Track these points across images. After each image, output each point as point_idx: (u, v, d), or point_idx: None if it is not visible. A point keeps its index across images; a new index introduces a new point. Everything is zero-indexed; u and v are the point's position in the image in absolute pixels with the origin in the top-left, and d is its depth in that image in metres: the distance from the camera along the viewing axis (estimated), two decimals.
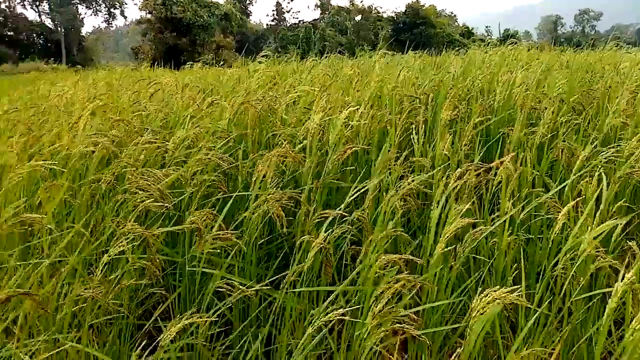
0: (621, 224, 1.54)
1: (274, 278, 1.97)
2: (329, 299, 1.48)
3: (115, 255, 1.58)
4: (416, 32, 41.89)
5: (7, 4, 43.92)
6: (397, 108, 2.59)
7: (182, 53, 33.65)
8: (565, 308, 1.67)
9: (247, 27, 47.25)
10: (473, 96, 3.02)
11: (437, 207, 1.55)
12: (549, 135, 2.46)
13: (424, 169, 2.03)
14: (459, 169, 1.70)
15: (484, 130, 2.62)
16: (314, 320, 1.39)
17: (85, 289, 1.51)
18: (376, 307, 1.24)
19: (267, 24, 50.66)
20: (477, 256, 1.97)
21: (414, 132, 2.18)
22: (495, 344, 1.70)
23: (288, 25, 47.83)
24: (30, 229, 2.12)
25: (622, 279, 1.21)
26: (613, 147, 2.20)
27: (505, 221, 1.84)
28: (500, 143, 2.54)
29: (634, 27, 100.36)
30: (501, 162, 1.81)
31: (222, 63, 13.08)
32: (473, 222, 1.51)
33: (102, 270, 1.53)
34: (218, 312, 1.67)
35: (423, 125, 2.19)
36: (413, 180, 1.85)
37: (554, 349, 1.57)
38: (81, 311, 1.74)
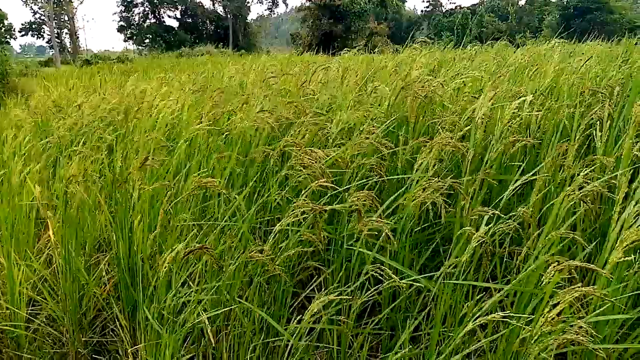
0: None
1: (425, 267, 1.95)
2: (493, 298, 1.42)
3: (286, 226, 1.70)
4: (589, 18, 37.63)
5: None
6: (576, 100, 2.37)
7: (336, 39, 34.59)
8: None
9: (402, 13, 46.77)
10: None
11: (618, 212, 1.39)
12: None
13: (606, 169, 1.83)
14: None
15: None
16: (470, 318, 1.36)
17: (255, 251, 1.66)
18: (549, 313, 1.16)
19: (422, 10, 49.56)
20: None
21: (596, 128, 1.97)
22: None
23: (444, 10, 46.26)
24: (206, 193, 2.39)
25: None
26: None
27: None
28: None
29: None
30: None
31: (375, 50, 13.18)
32: None
33: (273, 238, 1.66)
34: (371, 292, 1.72)
35: (608, 121, 1.97)
36: (591, 180, 1.68)
37: None
38: (248, 272, 1.91)
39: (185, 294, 1.88)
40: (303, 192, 1.73)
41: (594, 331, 1.40)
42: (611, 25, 35.59)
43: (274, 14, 56.36)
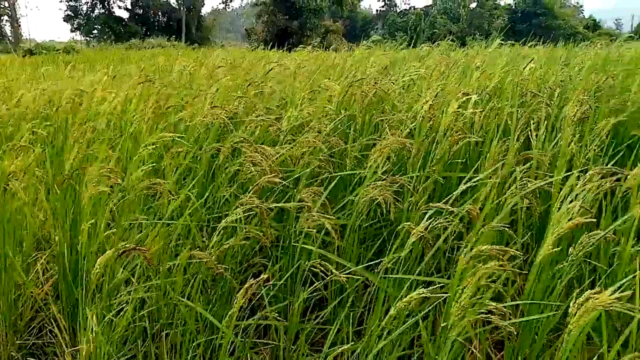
0: None
1: (372, 262, 1.98)
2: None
3: (231, 223, 1.69)
4: (535, 22, 39.23)
5: None
6: (518, 101, 2.46)
7: (291, 36, 34.51)
8: None
9: (357, 12, 47.18)
10: (604, 94, 2.78)
11: (557, 209, 1.45)
12: None
13: (542, 167, 1.91)
14: (588, 173, 1.58)
15: (612, 132, 2.40)
16: (396, 302, 1.39)
17: (198, 248, 1.63)
18: (461, 297, 1.21)
19: (377, 10, 50.19)
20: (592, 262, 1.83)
21: (532, 128, 2.06)
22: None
23: (398, 11, 47.04)
24: (154, 192, 2.33)
25: None
26: None
27: (630, 230, 1.70)
28: (635, 148, 2.31)
29: None
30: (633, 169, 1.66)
31: (330, 48, 13.22)
32: (585, 222, 1.41)
33: (218, 234, 1.64)
34: (314, 287, 1.73)
35: (545, 122, 2.06)
36: (528, 178, 1.75)
37: None
38: (192, 269, 1.88)
39: (126, 293, 1.83)
40: (250, 189, 1.72)
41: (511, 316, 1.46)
42: (555, 30, 37.23)
43: (229, 8, 55.52)
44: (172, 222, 1.90)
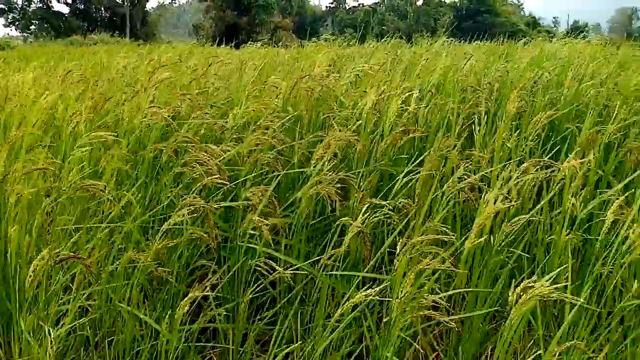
0: None
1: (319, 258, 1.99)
2: (369, 284, 1.48)
3: (174, 225, 1.64)
4: (479, 20, 40.53)
5: None
6: (459, 97, 2.52)
7: (240, 32, 34.06)
8: (617, 310, 1.61)
9: (306, 8, 47.17)
10: (540, 89, 2.90)
11: (486, 200, 1.50)
12: (619, 135, 2.33)
13: (482, 161, 1.97)
14: (522, 165, 1.64)
15: (548, 126, 2.51)
16: (344, 302, 1.40)
17: (138, 252, 1.58)
18: (401, 292, 1.24)
19: (326, 6, 50.37)
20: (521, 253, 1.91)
21: (475, 123, 2.12)
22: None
23: (347, 8, 47.39)
24: (92, 195, 2.23)
25: None
26: None
27: (564, 219, 1.78)
28: (567, 140, 2.43)
29: None
30: (568, 161, 1.74)
31: (279, 44, 13.14)
32: (505, 208, 1.47)
33: (160, 238, 1.59)
34: (259, 286, 1.71)
35: (485, 117, 2.12)
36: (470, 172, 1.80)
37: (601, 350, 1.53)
38: (134, 274, 1.82)
39: (66, 301, 1.75)
40: (193, 189, 1.68)
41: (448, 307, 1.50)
42: (498, 27, 38.58)
43: (175, 3, 54.22)
44: (111, 225, 1.83)
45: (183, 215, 1.59)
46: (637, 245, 1.57)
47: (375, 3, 47.61)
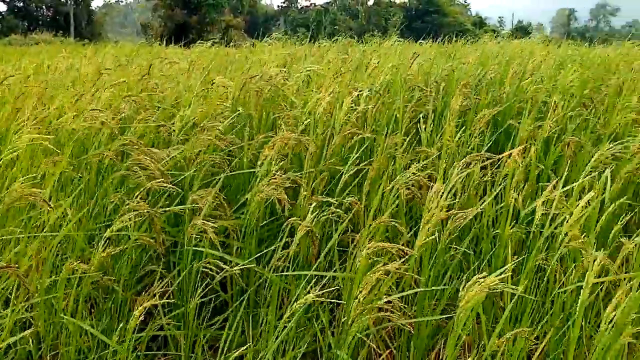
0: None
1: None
2: (322, 283, 1.49)
3: (118, 231, 1.59)
4: (428, 20, 41.45)
5: None
6: (407, 95, 2.57)
7: (190, 31, 33.42)
8: (559, 299, 1.68)
9: (258, 7, 46.84)
10: (484, 87, 2.99)
11: (436, 197, 1.53)
12: (557, 129, 2.44)
13: (430, 158, 2.01)
14: (464, 159, 1.69)
15: (492, 122, 2.59)
16: (293, 303, 1.40)
17: (81, 262, 1.52)
18: (360, 294, 1.25)
19: (278, 6, 50.19)
20: (462, 249, 1.97)
21: (421, 121, 2.16)
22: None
23: (299, 7, 47.41)
24: (31, 203, 2.13)
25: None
26: (621, 144, 2.18)
27: (508, 213, 1.84)
28: (510, 135, 2.51)
29: None
30: (509, 155, 1.80)
31: (231, 43, 12.98)
32: (453, 208, 1.51)
33: (104, 245, 1.54)
34: (214, 291, 1.68)
35: (432, 114, 2.17)
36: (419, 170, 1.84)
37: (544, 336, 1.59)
38: (79, 284, 1.75)
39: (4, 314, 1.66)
40: (137, 194, 1.63)
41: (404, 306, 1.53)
42: (446, 27, 39.57)
43: (122, 2, 52.60)
44: (52, 234, 1.75)
45: (127, 221, 1.54)
46: (573, 236, 1.64)
47: (327, 3, 47.86)
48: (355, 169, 1.94)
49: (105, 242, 1.57)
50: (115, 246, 1.67)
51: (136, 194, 1.64)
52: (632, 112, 2.43)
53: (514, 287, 1.25)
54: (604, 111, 2.77)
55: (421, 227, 1.41)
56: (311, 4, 47.98)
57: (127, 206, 1.57)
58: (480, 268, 1.95)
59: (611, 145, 2.00)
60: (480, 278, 1.31)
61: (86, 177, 2.12)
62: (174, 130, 2.26)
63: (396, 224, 1.45)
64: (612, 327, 1.21)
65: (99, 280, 1.65)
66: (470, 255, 1.96)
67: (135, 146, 1.92)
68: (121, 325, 1.66)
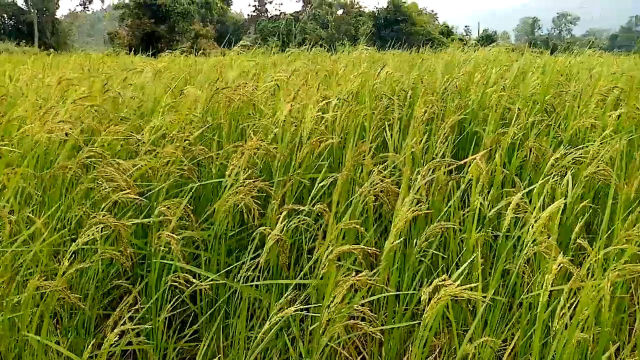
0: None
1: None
2: (288, 292, 1.49)
3: (84, 245, 1.55)
4: (397, 28, 42.04)
5: None
6: (374, 104, 2.60)
7: (159, 40, 33.08)
8: (525, 303, 1.72)
9: (228, 16, 46.68)
10: (449, 95, 3.05)
11: (402, 203, 1.56)
12: (520, 135, 2.51)
13: (396, 165, 2.04)
14: (427, 165, 1.72)
15: (457, 129, 2.65)
16: (270, 316, 1.40)
17: (45, 279, 1.48)
18: (331, 303, 1.26)
19: (248, 14, 50.14)
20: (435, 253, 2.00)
21: (387, 129, 2.19)
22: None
23: (269, 16, 47.48)
24: None
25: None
26: (581, 148, 2.26)
27: (474, 218, 1.88)
28: (473, 142, 2.57)
29: (607, 33, 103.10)
30: (473, 160, 1.84)
31: (200, 52, 12.89)
32: (420, 213, 1.54)
33: (69, 260, 1.50)
34: (184, 303, 1.66)
35: (398, 122, 2.20)
36: (385, 177, 1.86)
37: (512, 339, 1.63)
38: (44, 301, 1.71)
39: None
40: (103, 206, 1.60)
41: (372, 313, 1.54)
42: (414, 35, 40.21)
43: (88, 10, 51.72)
44: (16, 249, 1.70)
45: (92, 234, 1.51)
46: (539, 240, 1.68)
47: (297, 12, 48.10)
48: (326, 177, 1.95)
49: (71, 256, 1.54)
50: (81, 261, 1.64)
51: (102, 207, 1.61)
52: (590, 117, 2.52)
53: (476, 294, 1.27)
54: (564, 117, 2.86)
55: (391, 230, 1.43)
56: (281, 13, 48.12)
57: (93, 219, 1.54)
58: (449, 271, 1.98)
59: (570, 150, 2.07)
60: (440, 282, 1.32)
61: (50, 189, 2.07)
62: (143, 142, 2.23)
63: (358, 227, 1.47)
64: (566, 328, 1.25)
65: (65, 296, 1.61)
66: (439, 259, 1.99)
67: (101, 158, 1.88)
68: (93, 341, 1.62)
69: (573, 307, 1.28)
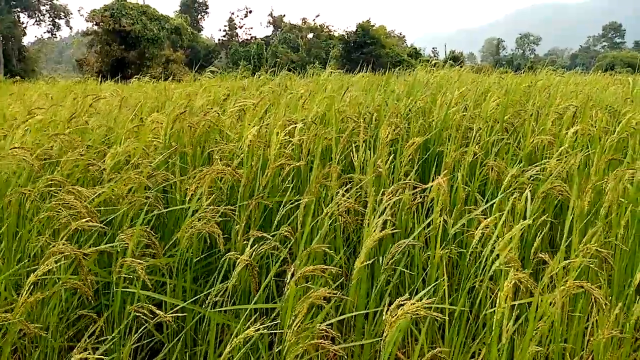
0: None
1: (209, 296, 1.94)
2: (254, 316, 1.48)
3: (44, 275, 1.52)
4: (366, 51, 42.79)
5: None
6: (341, 127, 2.64)
7: (129, 66, 32.87)
8: (489, 316, 1.75)
9: (198, 41, 46.81)
10: (414, 116, 3.12)
11: (367, 224, 1.58)
12: (482, 154, 2.58)
13: (362, 186, 2.07)
14: (392, 186, 1.75)
15: (422, 149, 2.71)
16: (233, 338, 1.39)
17: (6, 311, 1.44)
18: (292, 322, 1.26)
19: (219, 39, 50.35)
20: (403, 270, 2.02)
21: (353, 150, 2.23)
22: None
23: (240, 40, 47.80)
24: None
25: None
26: (539, 165, 2.33)
27: (437, 235, 1.91)
28: (437, 161, 2.63)
29: (568, 52, 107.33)
30: (434, 180, 1.88)
31: (171, 77, 12.86)
32: (390, 232, 1.56)
33: (27, 291, 1.47)
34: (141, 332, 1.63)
35: (364, 144, 2.24)
36: (349, 198, 1.89)
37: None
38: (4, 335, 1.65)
39: None
40: (63, 235, 1.57)
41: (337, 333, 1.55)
42: (383, 58, 40.97)
43: (55, 37, 51.11)
44: None
45: (52, 264, 1.48)
46: (502, 256, 1.72)
47: (267, 36, 48.57)
48: (292, 199, 1.97)
49: (30, 287, 1.50)
50: (42, 291, 1.60)
51: (62, 235, 1.58)
52: (546, 135, 2.61)
53: (434, 313, 1.29)
54: (523, 135, 2.96)
55: (361, 250, 1.44)
56: (252, 37, 48.51)
57: (52, 249, 1.51)
58: (416, 288, 2.01)
59: (528, 167, 2.14)
60: (402, 301, 1.34)
61: (6, 219, 2.02)
62: (104, 169, 2.21)
63: (327, 250, 1.48)
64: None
65: (25, 328, 1.57)
66: (406, 277, 2.01)
67: (61, 186, 1.86)
68: None
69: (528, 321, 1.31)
